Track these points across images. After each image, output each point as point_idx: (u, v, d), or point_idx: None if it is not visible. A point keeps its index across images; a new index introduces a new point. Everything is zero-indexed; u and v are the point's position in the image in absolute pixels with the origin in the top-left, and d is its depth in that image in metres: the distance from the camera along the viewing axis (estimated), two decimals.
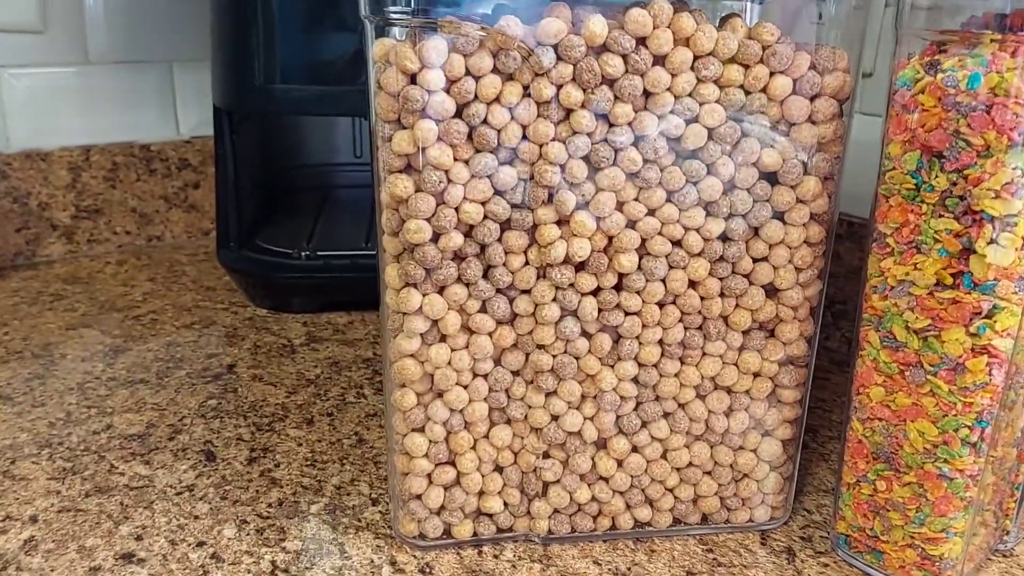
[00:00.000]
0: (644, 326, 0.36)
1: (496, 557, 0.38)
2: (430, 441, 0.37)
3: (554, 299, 0.35)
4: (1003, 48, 0.30)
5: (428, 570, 0.37)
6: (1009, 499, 0.39)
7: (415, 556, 0.38)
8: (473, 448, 0.38)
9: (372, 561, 0.38)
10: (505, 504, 0.39)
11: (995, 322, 0.32)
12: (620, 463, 0.38)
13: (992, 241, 0.31)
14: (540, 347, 0.36)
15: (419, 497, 0.38)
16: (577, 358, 0.36)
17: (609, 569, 0.38)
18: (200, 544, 0.39)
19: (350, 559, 0.38)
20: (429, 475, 0.38)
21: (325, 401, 0.52)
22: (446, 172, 0.33)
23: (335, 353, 0.58)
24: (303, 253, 0.64)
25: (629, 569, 0.38)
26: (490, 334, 0.36)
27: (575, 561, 0.38)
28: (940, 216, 0.32)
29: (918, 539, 0.36)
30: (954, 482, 0.34)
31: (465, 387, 0.36)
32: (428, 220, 0.34)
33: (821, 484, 0.45)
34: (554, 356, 0.36)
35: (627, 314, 0.36)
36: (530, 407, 0.37)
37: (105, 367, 0.56)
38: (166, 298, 0.68)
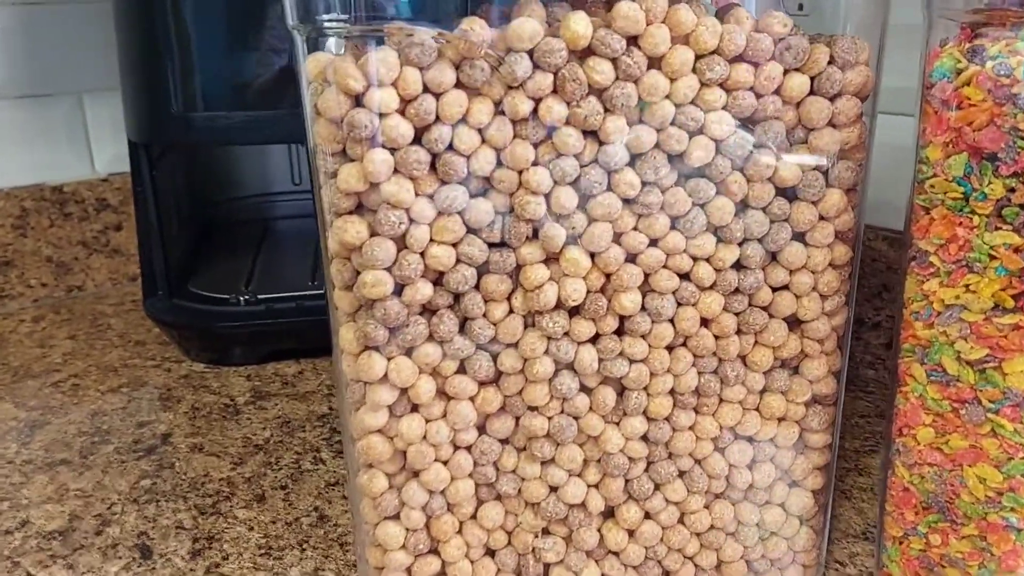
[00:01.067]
0: (652, 375, 0.31)
1: None
2: (407, 530, 0.31)
3: (546, 351, 0.30)
4: None
5: None
6: None
7: None
8: (459, 533, 0.32)
9: None
10: None
11: None
12: (632, 534, 0.33)
13: None
14: (532, 409, 0.31)
15: None
16: (576, 418, 0.31)
17: None
18: None
19: None
20: (408, 569, 0.32)
21: (277, 471, 0.45)
22: (406, 210, 0.28)
23: (285, 411, 0.52)
24: (242, 298, 0.58)
25: None
26: (472, 399, 0.30)
27: None
28: (996, 229, 0.27)
29: None
30: (1023, 533, 0.30)
31: (445, 463, 0.31)
32: (388, 270, 0.28)
33: (848, 528, 0.40)
34: (549, 418, 0.31)
35: (632, 362, 0.30)
36: (524, 480, 0.31)
37: (20, 448, 0.48)
38: (89, 358, 0.60)
